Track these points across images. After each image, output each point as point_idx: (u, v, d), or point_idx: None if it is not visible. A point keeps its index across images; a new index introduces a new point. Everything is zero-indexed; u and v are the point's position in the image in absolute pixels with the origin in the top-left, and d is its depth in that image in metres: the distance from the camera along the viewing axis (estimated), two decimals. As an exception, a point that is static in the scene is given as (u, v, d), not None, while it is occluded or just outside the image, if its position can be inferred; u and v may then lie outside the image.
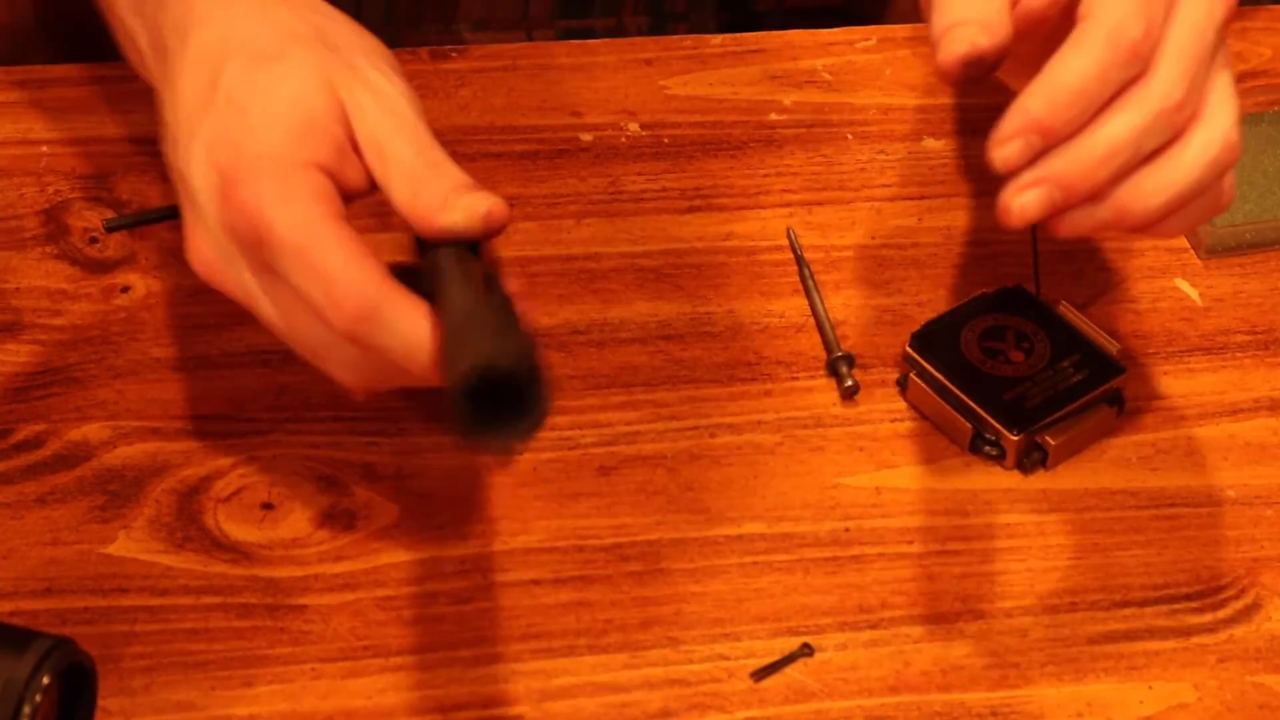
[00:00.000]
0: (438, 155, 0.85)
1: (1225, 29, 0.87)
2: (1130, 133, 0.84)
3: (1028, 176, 0.84)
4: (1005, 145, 0.83)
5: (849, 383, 0.97)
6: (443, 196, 0.83)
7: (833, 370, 0.98)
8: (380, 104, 0.85)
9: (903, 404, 0.97)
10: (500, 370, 0.75)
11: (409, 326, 0.81)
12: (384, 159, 0.85)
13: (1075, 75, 0.83)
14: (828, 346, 0.98)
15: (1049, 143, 0.83)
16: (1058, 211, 0.85)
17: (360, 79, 0.86)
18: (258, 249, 0.83)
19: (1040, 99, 0.83)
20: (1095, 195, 0.85)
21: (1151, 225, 0.86)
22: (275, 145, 0.84)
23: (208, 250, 0.86)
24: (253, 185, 0.83)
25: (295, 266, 0.82)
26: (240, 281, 0.85)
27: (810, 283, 1.01)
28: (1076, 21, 0.84)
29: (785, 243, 1.04)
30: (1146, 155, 0.85)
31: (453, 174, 0.84)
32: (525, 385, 0.76)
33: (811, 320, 1.00)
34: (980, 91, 1.10)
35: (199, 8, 0.88)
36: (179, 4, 0.88)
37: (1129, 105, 0.84)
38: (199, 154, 0.85)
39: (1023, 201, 0.84)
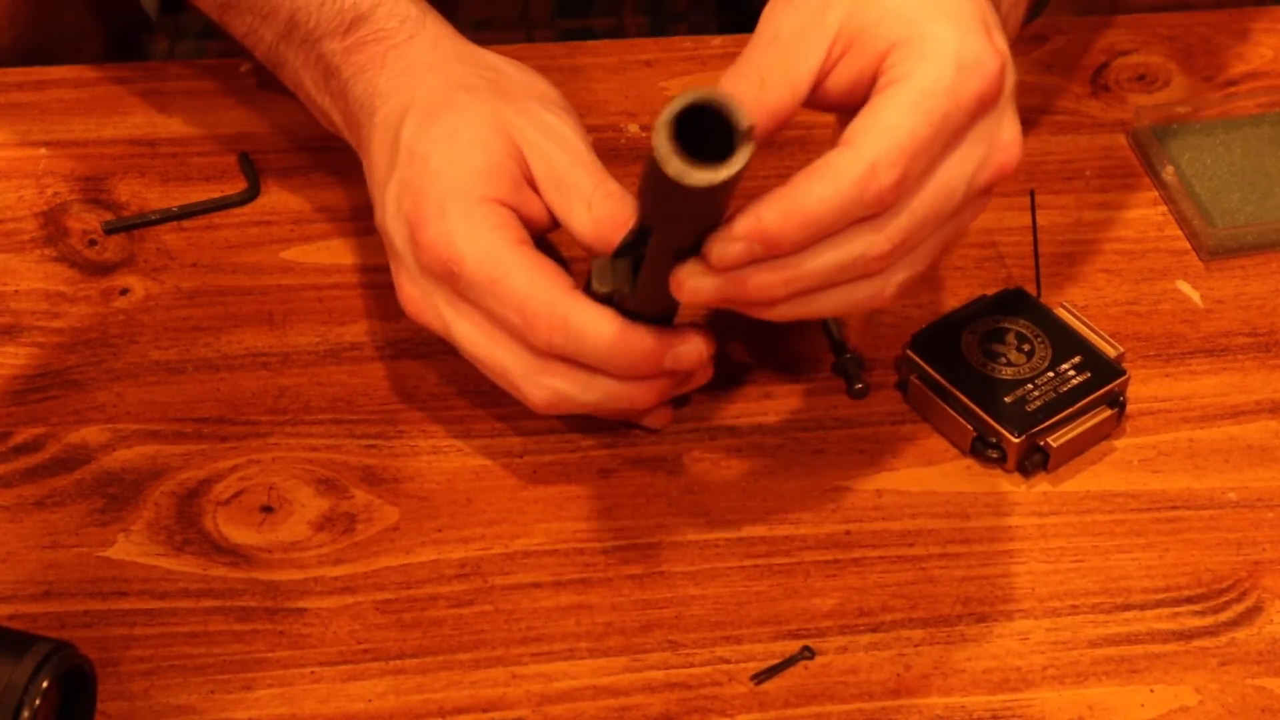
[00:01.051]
0: (613, 185, 0.90)
1: (986, 192, 0.86)
2: (827, 271, 0.84)
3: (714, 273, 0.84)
4: (730, 244, 0.83)
5: (859, 385, 0.97)
6: (624, 218, 0.88)
7: (841, 372, 0.97)
8: (553, 141, 0.91)
9: (903, 406, 0.97)
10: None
11: (599, 330, 0.87)
12: (561, 190, 0.90)
13: (815, 203, 0.83)
14: (835, 348, 0.98)
15: (769, 254, 0.83)
16: (722, 303, 0.85)
17: (532, 120, 0.91)
18: (451, 282, 0.88)
19: (776, 212, 0.82)
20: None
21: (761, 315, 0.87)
22: (457, 185, 0.89)
23: (412, 291, 0.91)
24: (440, 224, 0.88)
25: (488, 294, 0.88)
26: (440, 316, 0.90)
27: None
28: (840, 141, 0.84)
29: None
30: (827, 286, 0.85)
31: (629, 205, 0.88)
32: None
33: (811, 322, 1.00)
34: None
35: (381, 83, 0.94)
36: (364, 82, 0.94)
37: (841, 244, 0.84)
38: (391, 206, 0.91)
39: (695, 286, 0.84)
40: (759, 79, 0.84)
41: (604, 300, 0.88)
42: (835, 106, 0.86)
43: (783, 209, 0.82)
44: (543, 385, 0.90)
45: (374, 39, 0.95)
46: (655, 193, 0.81)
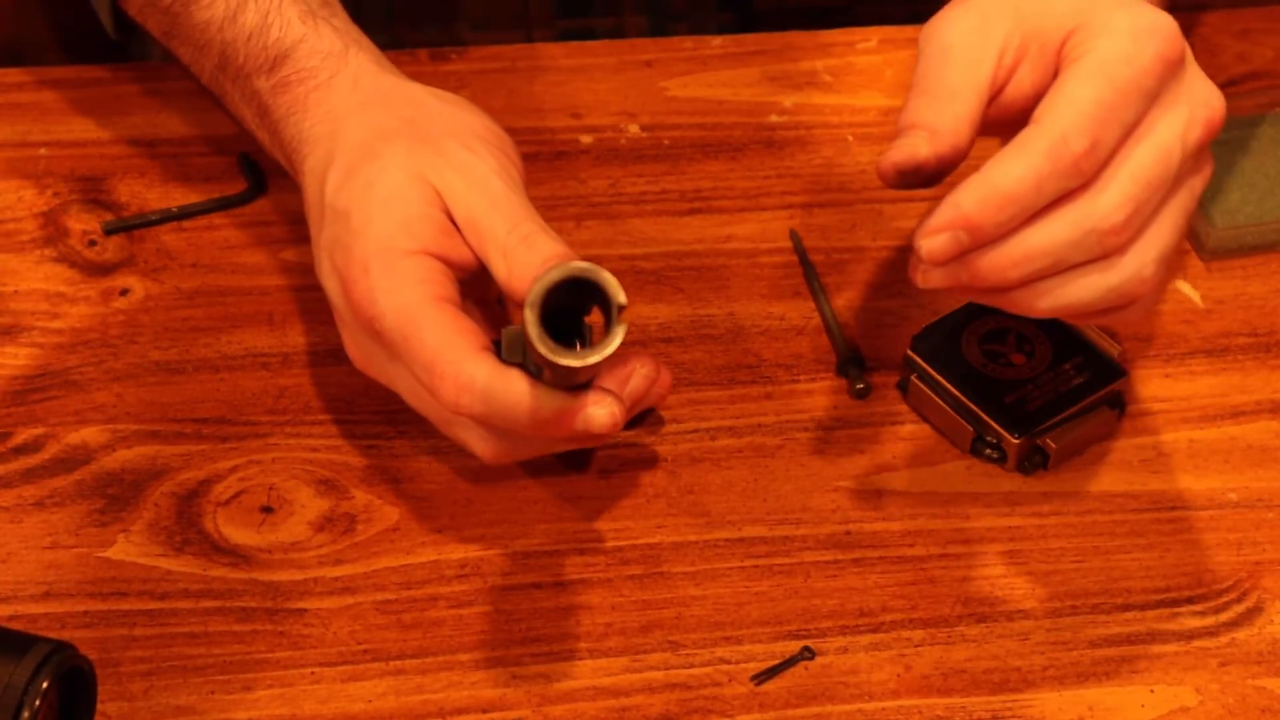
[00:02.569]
0: (529, 228, 0.88)
1: (1199, 150, 0.86)
2: (1053, 245, 0.83)
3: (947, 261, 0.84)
4: (934, 237, 0.82)
5: (860, 385, 0.97)
6: (534, 270, 0.85)
7: (844, 373, 0.97)
8: (470, 183, 0.89)
9: (904, 407, 0.97)
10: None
11: (507, 393, 0.85)
12: (479, 236, 0.88)
13: (1010, 180, 0.82)
14: (838, 349, 0.98)
15: (976, 241, 0.83)
16: (965, 293, 0.85)
17: (451, 162, 0.89)
18: (376, 339, 0.88)
19: (973, 197, 0.82)
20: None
21: (1017, 307, 0.86)
22: (379, 241, 0.88)
23: (353, 348, 0.91)
24: (364, 282, 0.87)
25: (402, 351, 0.86)
26: (383, 370, 0.90)
27: (816, 284, 1.01)
28: (1029, 121, 0.83)
29: (786, 245, 1.03)
30: (1067, 266, 0.84)
31: (544, 247, 0.87)
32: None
33: (813, 322, 1.00)
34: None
35: (306, 128, 0.93)
36: (291, 126, 0.94)
37: (1061, 217, 0.83)
38: (325, 264, 0.90)
39: (927, 275, 0.84)
40: (947, 92, 0.84)
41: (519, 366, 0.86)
42: (1026, 113, 0.85)
43: (979, 193, 0.82)
44: (486, 440, 0.88)
45: (296, 79, 0.93)
46: (534, 353, 0.81)
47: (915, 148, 0.84)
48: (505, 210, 0.88)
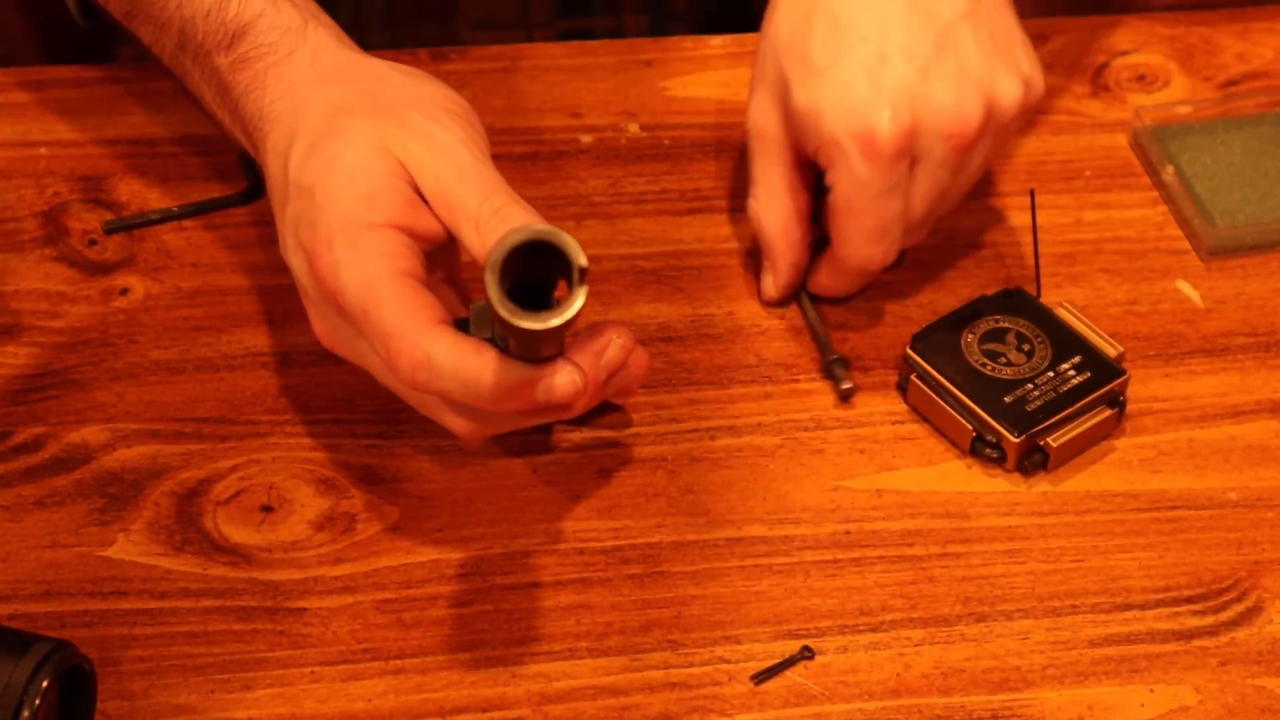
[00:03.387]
0: (500, 199, 0.87)
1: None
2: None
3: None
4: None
5: (846, 385, 0.97)
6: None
7: (828, 374, 0.97)
8: (436, 154, 0.88)
9: (903, 406, 0.97)
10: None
11: (464, 367, 0.84)
12: (449, 208, 0.87)
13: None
14: (821, 349, 0.98)
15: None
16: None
17: (415, 133, 0.89)
18: (342, 314, 0.87)
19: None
20: None
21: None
22: (342, 215, 0.87)
23: (320, 324, 0.90)
24: (329, 256, 0.86)
25: (363, 326, 0.86)
26: (352, 346, 0.89)
27: (802, 293, 1.01)
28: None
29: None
30: None
31: (517, 218, 0.86)
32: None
33: (803, 322, 1.00)
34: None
35: (266, 104, 0.92)
36: (252, 103, 0.93)
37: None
38: (290, 241, 0.89)
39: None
40: None
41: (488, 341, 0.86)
42: None
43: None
44: (457, 415, 0.88)
45: (255, 55, 0.93)
46: (497, 320, 0.81)
47: (768, 291, 1.02)
48: (474, 180, 0.87)
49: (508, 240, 0.79)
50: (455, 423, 0.88)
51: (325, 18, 0.95)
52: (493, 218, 0.86)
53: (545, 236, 0.79)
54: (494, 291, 0.78)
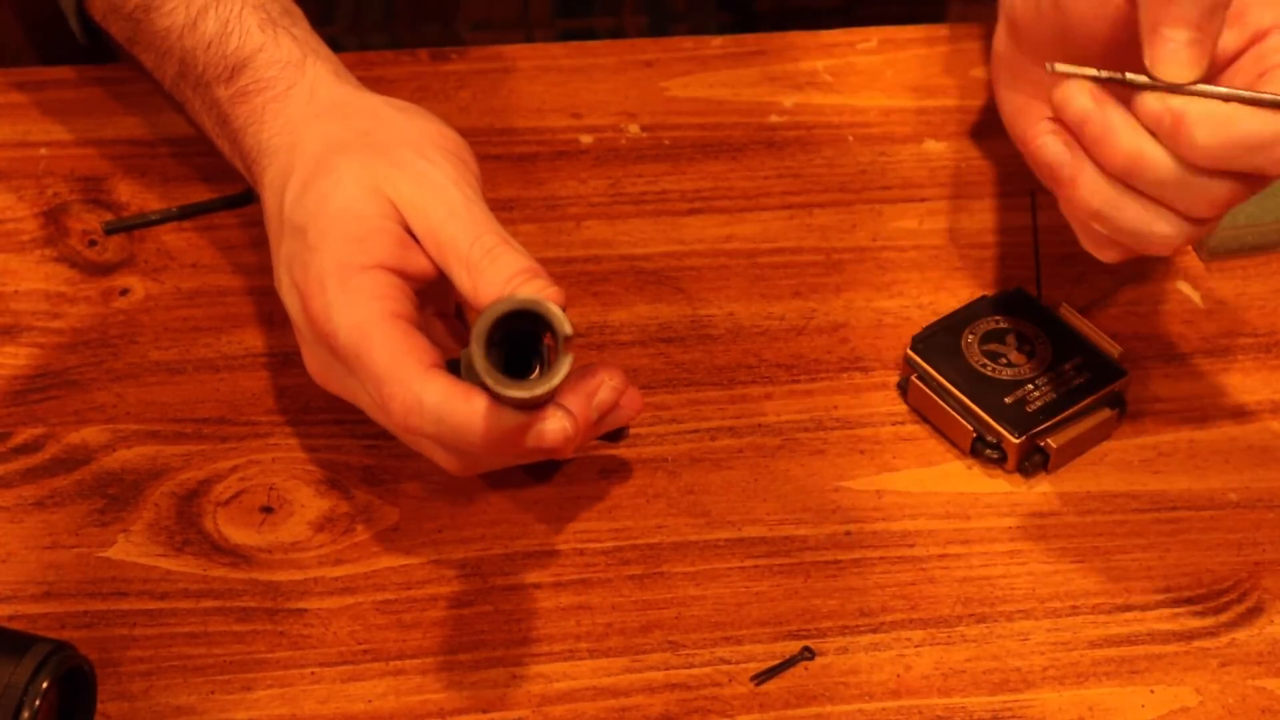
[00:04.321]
0: (491, 240, 0.87)
1: None
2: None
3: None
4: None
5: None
6: (499, 286, 0.86)
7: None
8: (427, 193, 0.89)
9: (904, 407, 0.97)
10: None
11: (455, 412, 0.84)
12: (440, 248, 0.88)
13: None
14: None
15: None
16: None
17: (406, 172, 0.89)
18: (334, 354, 0.87)
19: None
20: None
21: None
22: (334, 257, 0.87)
23: (314, 363, 0.90)
24: (321, 298, 0.87)
25: (356, 369, 0.86)
26: (344, 385, 0.90)
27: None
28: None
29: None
30: None
31: (508, 261, 0.86)
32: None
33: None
34: (981, 93, 1.10)
35: (265, 139, 0.93)
36: (250, 137, 0.93)
37: None
38: (284, 279, 0.90)
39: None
40: None
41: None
42: None
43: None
44: (449, 454, 0.88)
45: (255, 89, 0.93)
46: (484, 387, 0.82)
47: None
48: (465, 221, 0.88)
49: (491, 311, 0.81)
50: (447, 460, 0.89)
51: (325, 51, 0.95)
52: (483, 259, 0.87)
53: (529, 306, 0.81)
54: (480, 362, 0.80)
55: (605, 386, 0.89)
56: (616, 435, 0.95)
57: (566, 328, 0.81)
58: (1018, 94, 0.96)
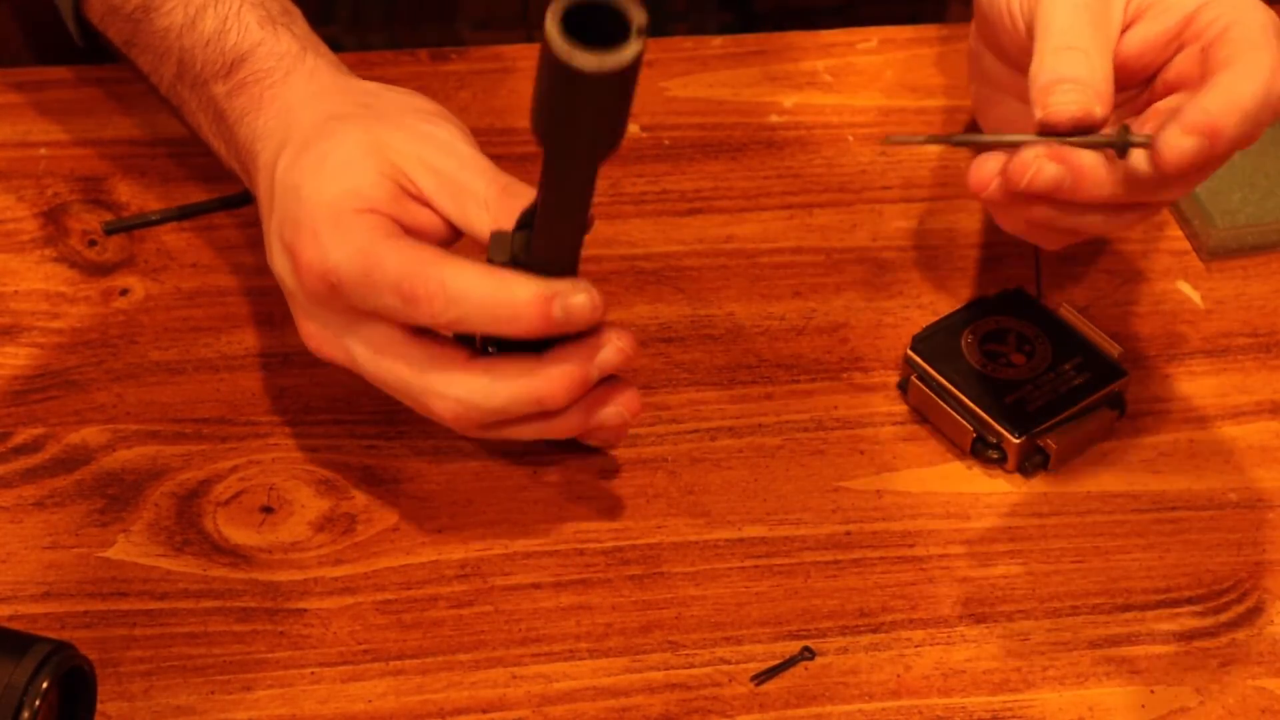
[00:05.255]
0: (505, 179, 0.88)
1: None
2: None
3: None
4: (1184, 137, 0.84)
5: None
6: (517, 214, 0.86)
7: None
8: (435, 148, 0.89)
9: (904, 407, 0.97)
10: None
11: (478, 285, 0.84)
12: (456, 197, 0.88)
13: (1249, 99, 0.85)
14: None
15: (1210, 153, 0.85)
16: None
17: (411, 134, 0.89)
18: (333, 299, 0.86)
19: (1219, 105, 0.85)
20: None
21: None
22: (329, 207, 0.87)
23: (309, 326, 0.89)
24: (315, 246, 0.86)
25: (366, 289, 0.85)
26: (339, 343, 0.89)
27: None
28: (1212, 67, 0.86)
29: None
30: None
31: (524, 191, 0.87)
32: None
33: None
34: (981, 93, 1.10)
35: (260, 126, 0.92)
36: (245, 127, 0.93)
37: None
38: (276, 245, 0.89)
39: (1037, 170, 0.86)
40: (1085, 48, 0.87)
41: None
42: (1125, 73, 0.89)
43: (1223, 101, 0.85)
44: (445, 396, 0.87)
45: (253, 80, 0.93)
46: (548, 93, 0.78)
47: (1090, 104, 0.86)
48: (476, 168, 0.88)
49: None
50: (449, 408, 0.88)
51: (324, 49, 0.95)
52: (501, 195, 0.87)
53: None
54: (552, 27, 0.75)
55: (611, 345, 0.88)
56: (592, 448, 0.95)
57: (641, 17, 0.76)
58: (984, 86, 0.99)
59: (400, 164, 0.88)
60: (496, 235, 0.86)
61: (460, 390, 0.87)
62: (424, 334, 0.88)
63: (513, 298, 0.84)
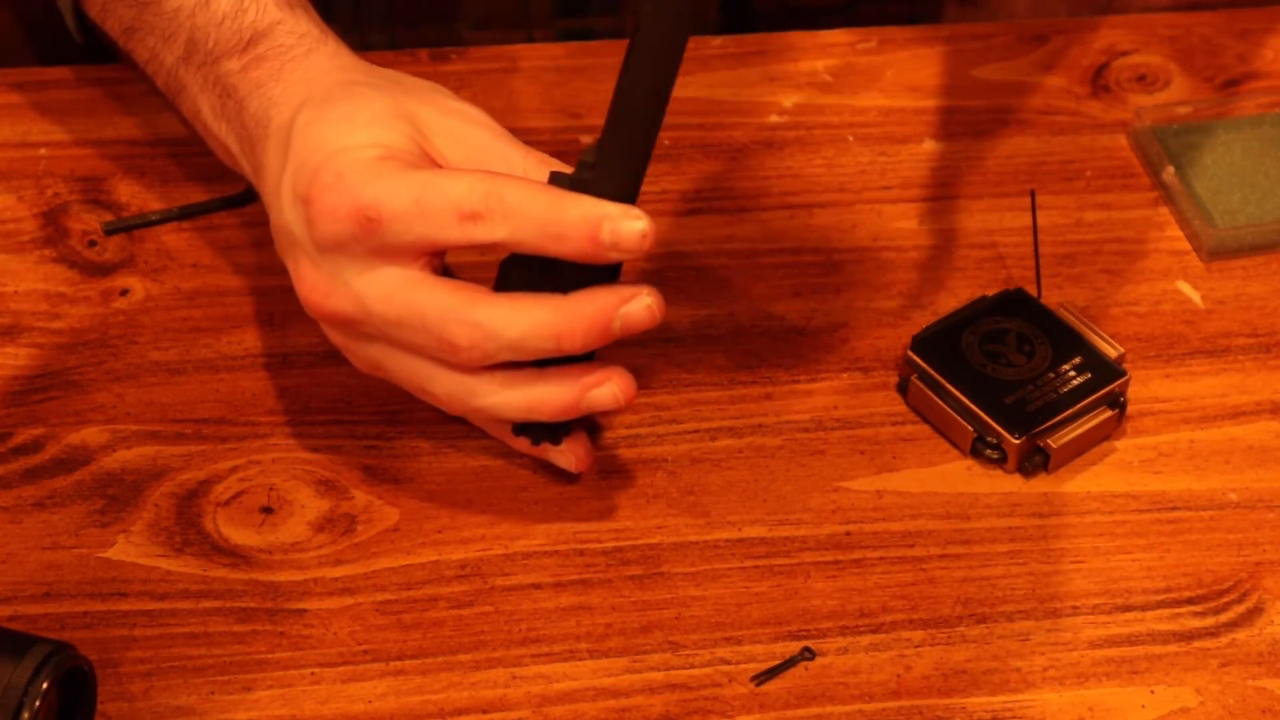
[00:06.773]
0: (539, 154, 0.88)
1: None
2: None
3: None
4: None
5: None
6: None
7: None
8: (465, 120, 0.89)
9: (904, 407, 0.97)
10: None
11: (540, 197, 0.84)
12: (489, 166, 0.87)
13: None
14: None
15: None
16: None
17: (440, 107, 0.89)
18: (367, 235, 0.85)
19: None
20: None
21: None
22: (354, 154, 0.86)
23: (316, 277, 0.88)
24: (339, 186, 0.85)
25: (413, 220, 0.84)
26: (348, 289, 0.87)
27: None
28: None
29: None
30: None
31: (558, 164, 0.87)
32: None
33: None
34: (981, 93, 1.10)
35: (277, 94, 0.91)
36: (259, 98, 0.92)
37: None
38: (286, 199, 0.88)
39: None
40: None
41: None
42: None
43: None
44: (465, 321, 0.85)
45: (272, 54, 0.92)
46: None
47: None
48: (509, 141, 0.89)
49: None
50: (462, 329, 0.86)
51: (339, 38, 0.95)
52: (538, 166, 0.87)
53: None
54: None
55: (638, 301, 0.86)
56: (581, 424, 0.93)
57: None
58: None
59: (429, 134, 0.88)
60: (555, 175, 0.85)
61: (481, 314, 0.85)
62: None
63: (563, 214, 0.83)
